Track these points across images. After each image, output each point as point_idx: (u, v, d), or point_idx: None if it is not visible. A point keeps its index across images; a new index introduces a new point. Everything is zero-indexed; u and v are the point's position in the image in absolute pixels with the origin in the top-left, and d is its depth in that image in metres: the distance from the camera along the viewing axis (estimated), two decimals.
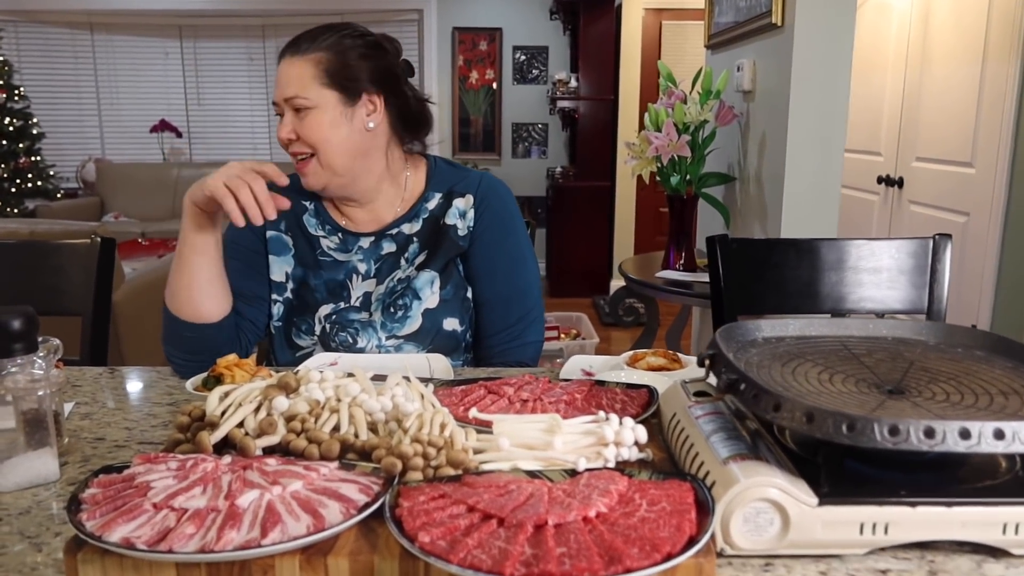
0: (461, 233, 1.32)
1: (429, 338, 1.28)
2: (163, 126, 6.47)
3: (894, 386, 0.77)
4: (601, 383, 0.98)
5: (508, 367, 1.31)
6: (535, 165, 6.48)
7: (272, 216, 1.09)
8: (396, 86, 1.30)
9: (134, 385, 1.17)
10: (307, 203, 1.37)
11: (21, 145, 5.94)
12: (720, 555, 0.67)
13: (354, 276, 1.32)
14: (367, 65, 1.26)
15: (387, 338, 1.28)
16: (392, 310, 1.28)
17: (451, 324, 1.30)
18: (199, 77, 6.65)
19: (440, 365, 1.15)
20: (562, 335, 3.58)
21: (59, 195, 6.22)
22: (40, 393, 0.84)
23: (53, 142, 6.39)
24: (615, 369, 1.13)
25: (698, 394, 0.85)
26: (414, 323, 1.28)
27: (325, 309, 1.30)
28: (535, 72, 6.42)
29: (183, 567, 0.62)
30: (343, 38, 1.25)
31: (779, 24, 2.27)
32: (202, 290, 1.19)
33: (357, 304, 1.30)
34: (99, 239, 1.41)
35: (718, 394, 0.83)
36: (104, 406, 1.06)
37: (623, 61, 5.54)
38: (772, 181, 2.39)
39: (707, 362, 0.81)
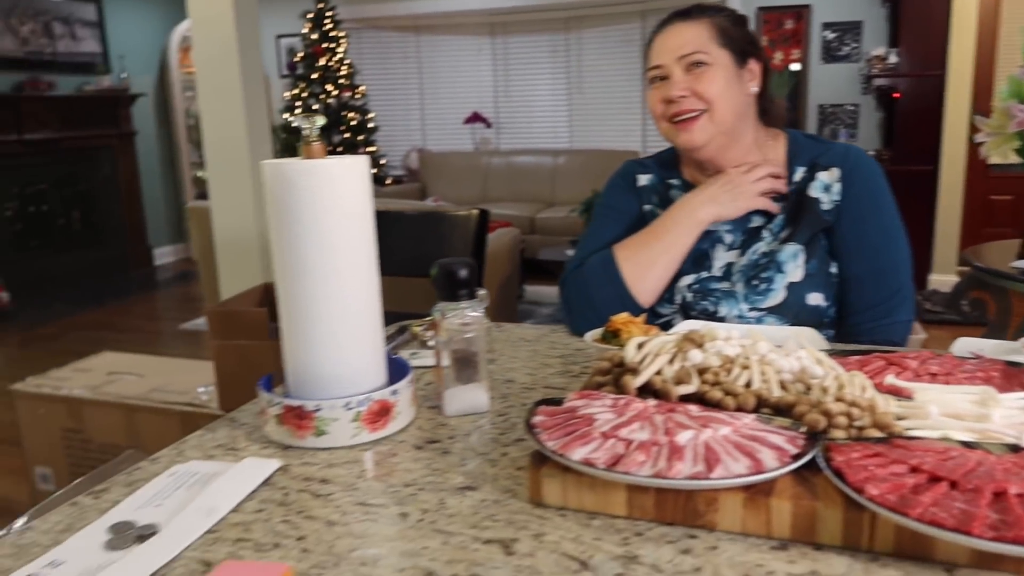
0: (826, 207, 1.29)
1: (792, 311, 1.27)
2: (475, 118, 7.02)
3: None
4: (1014, 364, 0.91)
5: (877, 346, 1.26)
6: None
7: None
8: (765, 61, 1.33)
9: (520, 339, 1.29)
10: (674, 180, 1.42)
11: (360, 137, 6.78)
12: None
13: (718, 246, 1.34)
14: (746, 34, 1.33)
15: (749, 309, 1.28)
16: (755, 283, 1.28)
17: (815, 299, 1.27)
18: (508, 71, 7.10)
19: (815, 340, 1.13)
20: None
21: (387, 181, 7.01)
22: (472, 335, 0.98)
23: (384, 134, 7.21)
24: (1014, 353, 1.04)
25: None
26: (777, 296, 1.27)
27: (687, 279, 1.33)
28: (846, 49, 5.98)
29: (634, 489, 0.69)
30: (719, 11, 1.33)
31: None
32: (662, 282, 1.32)
33: (719, 274, 1.33)
34: (477, 211, 1.58)
35: None
36: (501, 355, 1.20)
37: (955, 31, 4.97)
38: None
39: None
